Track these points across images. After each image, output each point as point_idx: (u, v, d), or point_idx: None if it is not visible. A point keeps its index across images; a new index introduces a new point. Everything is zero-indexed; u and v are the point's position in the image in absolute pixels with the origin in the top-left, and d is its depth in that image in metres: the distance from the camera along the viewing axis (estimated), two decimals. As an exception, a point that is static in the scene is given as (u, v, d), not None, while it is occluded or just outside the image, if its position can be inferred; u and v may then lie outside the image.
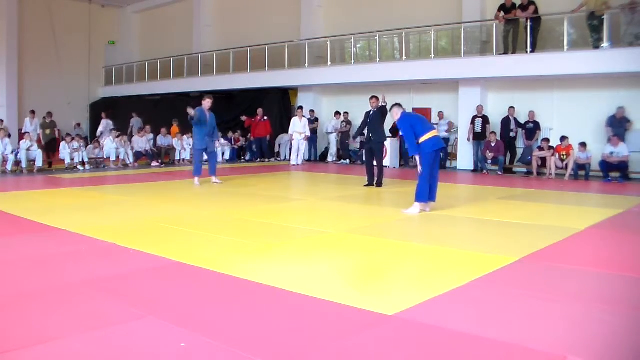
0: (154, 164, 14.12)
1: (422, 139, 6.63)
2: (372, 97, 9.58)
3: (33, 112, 16.27)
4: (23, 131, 14.79)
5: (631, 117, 11.17)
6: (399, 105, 7.16)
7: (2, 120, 17.44)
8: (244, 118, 16.02)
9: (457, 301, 3.40)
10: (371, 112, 9.50)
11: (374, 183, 9.42)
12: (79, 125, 18.07)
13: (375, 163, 9.55)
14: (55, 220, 5.93)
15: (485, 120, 12.88)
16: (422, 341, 2.80)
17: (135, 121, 18.56)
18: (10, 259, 4.39)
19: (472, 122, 12.98)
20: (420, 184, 6.65)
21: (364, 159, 10.38)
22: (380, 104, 9.53)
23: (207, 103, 9.64)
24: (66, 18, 21.15)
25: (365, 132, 9.76)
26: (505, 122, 12.71)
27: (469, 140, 13.17)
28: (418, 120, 6.92)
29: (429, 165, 6.63)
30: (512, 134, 12.65)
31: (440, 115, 13.86)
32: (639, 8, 10.59)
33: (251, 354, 2.57)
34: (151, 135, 15.05)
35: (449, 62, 13.10)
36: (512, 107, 12.63)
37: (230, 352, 2.60)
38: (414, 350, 2.69)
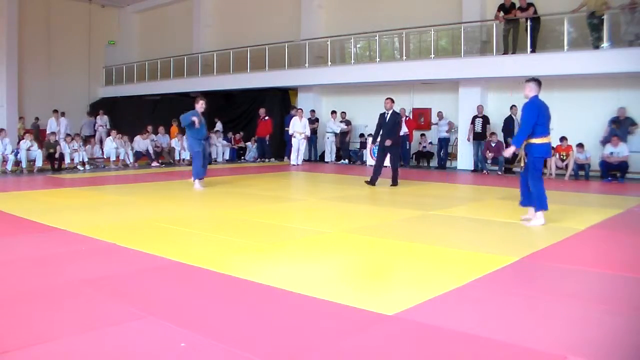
0: (154, 164, 14.11)
1: (537, 140, 5.80)
2: (387, 99, 9.68)
3: (57, 111, 16.18)
4: (48, 131, 14.73)
5: (631, 117, 11.16)
6: (537, 82, 5.94)
7: (22, 118, 17.48)
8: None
9: (457, 301, 3.40)
10: (386, 114, 9.61)
11: (390, 183, 9.54)
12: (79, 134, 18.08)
13: (387, 164, 9.70)
14: (55, 220, 5.93)
15: (486, 120, 12.88)
16: (422, 341, 2.80)
17: (88, 122, 18.42)
18: (10, 259, 4.39)
19: (472, 122, 12.98)
20: (537, 191, 5.86)
21: (376, 157, 10.42)
22: (394, 109, 9.63)
23: (200, 106, 9.03)
24: (66, 18, 21.15)
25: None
26: (508, 121, 12.64)
27: (469, 140, 13.16)
28: (546, 116, 5.87)
29: (539, 170, 5.91)
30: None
31: (440, 115, 13.85)
32: (639, 8, 10.59)
33: (251, 354, 2.57)
34: (153, 136, 15.03)
35: (449, 62, 13.10)
36: (514, 106, 12.51)
37: (230, 352, 2.60)
38: (414, 350, 2.69)
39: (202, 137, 9.12)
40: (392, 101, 9.63)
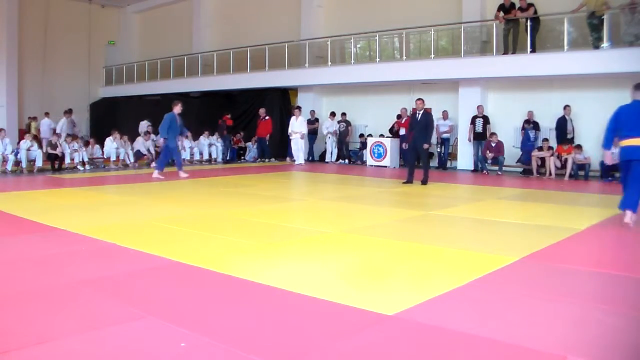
0: (154, 164, 14.09)
1: (621, 143, 5.77)
2: (418, 99, 9.91)
3: (70, 110, 16.08)
4: (57, 132, 14.63)
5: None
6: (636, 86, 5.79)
7: (35, 118, 17.45)
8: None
9: (457, 301, 3.40)
10: (417, 114, 9.79)
11: (415, 181, 9.71)
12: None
13: (418, 163, 9.93)
14: (55, 220, 5.93)
15: (486, 120, 12.87)
16: (422, 341, 2.80)
17: (67, 121, 18.24)
18: (10, 259, 4.39)
19: (473, 122, 12.98)
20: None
21: (406, 158, 10.57)
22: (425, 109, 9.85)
23: (178, 109, 10.65)
24: (66, 18, 21.16)
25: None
26: (561, 121, 11.83)
27: (469, 140, 13.16)
28: (626, 120, 5.72)
29: (622, 172, 5.90)
30: (569, 135, 11.75)
31: (445, 115, 13.78)
32: (639, 8, 10.59)
33: (251, 354, 2.57)
34: (154, 136, 14.99)
35: (449, 62, 13.11)
36: (567, 106, 11.81)
37: (230, 352, 2.60)
38: (414, 350, 2.69)
39: (177, 135, 10.90)
40: (423, 101, 9.84)
